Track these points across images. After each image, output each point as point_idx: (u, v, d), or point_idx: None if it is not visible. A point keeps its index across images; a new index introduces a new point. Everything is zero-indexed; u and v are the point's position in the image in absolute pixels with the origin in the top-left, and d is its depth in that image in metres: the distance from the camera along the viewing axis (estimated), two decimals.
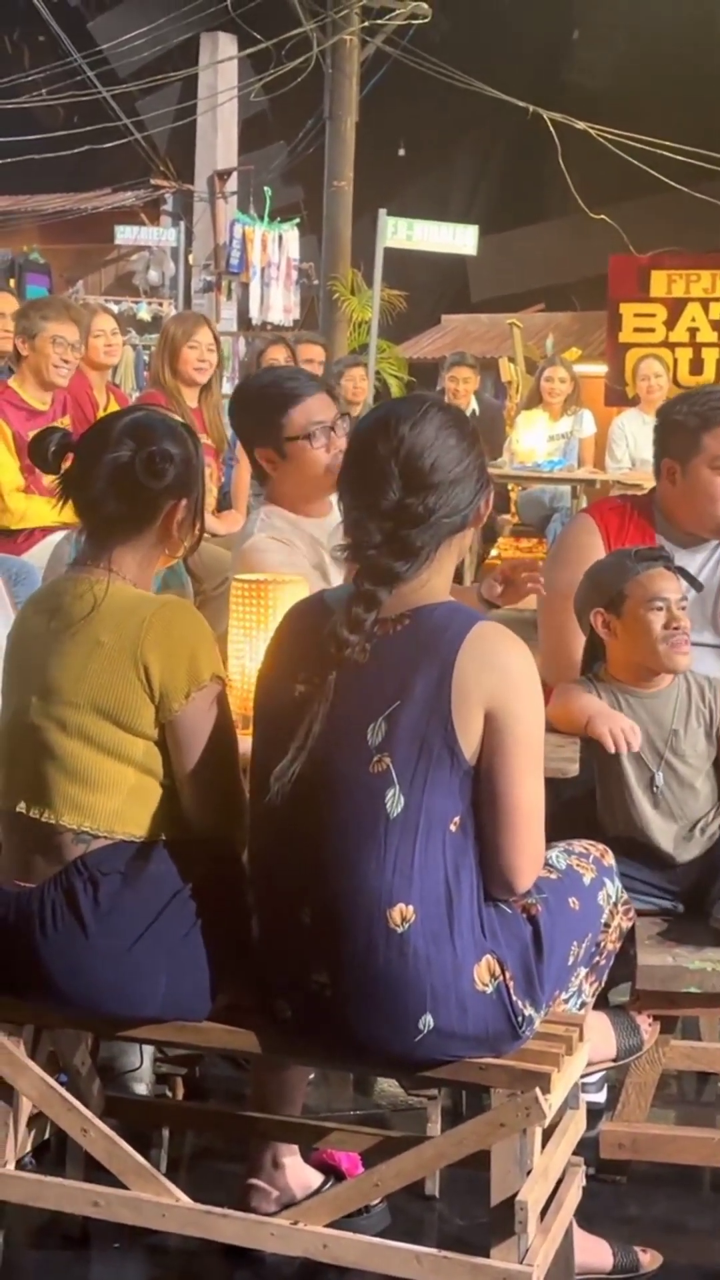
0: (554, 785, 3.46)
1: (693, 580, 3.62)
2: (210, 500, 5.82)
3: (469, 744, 2.63)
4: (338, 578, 3.93)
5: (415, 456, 2.71)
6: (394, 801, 2.61)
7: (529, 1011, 2.69)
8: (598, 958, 2.93)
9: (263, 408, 4.10)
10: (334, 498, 3.71)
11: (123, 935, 2.76)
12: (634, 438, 10.42)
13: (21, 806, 2.86)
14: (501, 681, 2.64)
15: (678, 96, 19.05)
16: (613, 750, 3.39)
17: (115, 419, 3.07)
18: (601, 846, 3.09)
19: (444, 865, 2.62)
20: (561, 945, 2.78)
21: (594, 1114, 3.28)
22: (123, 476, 2.90)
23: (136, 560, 2.95)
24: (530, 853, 2.70)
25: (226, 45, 17.78)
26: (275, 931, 2.74)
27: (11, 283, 15.71)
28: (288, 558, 3.98)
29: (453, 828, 2.63)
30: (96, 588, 2.86)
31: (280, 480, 4.11)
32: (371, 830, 2.61)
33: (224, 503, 7.76)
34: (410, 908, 2.60)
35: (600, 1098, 3.28)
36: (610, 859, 3.06)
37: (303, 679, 2.71)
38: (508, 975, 2.66)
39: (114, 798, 2.81)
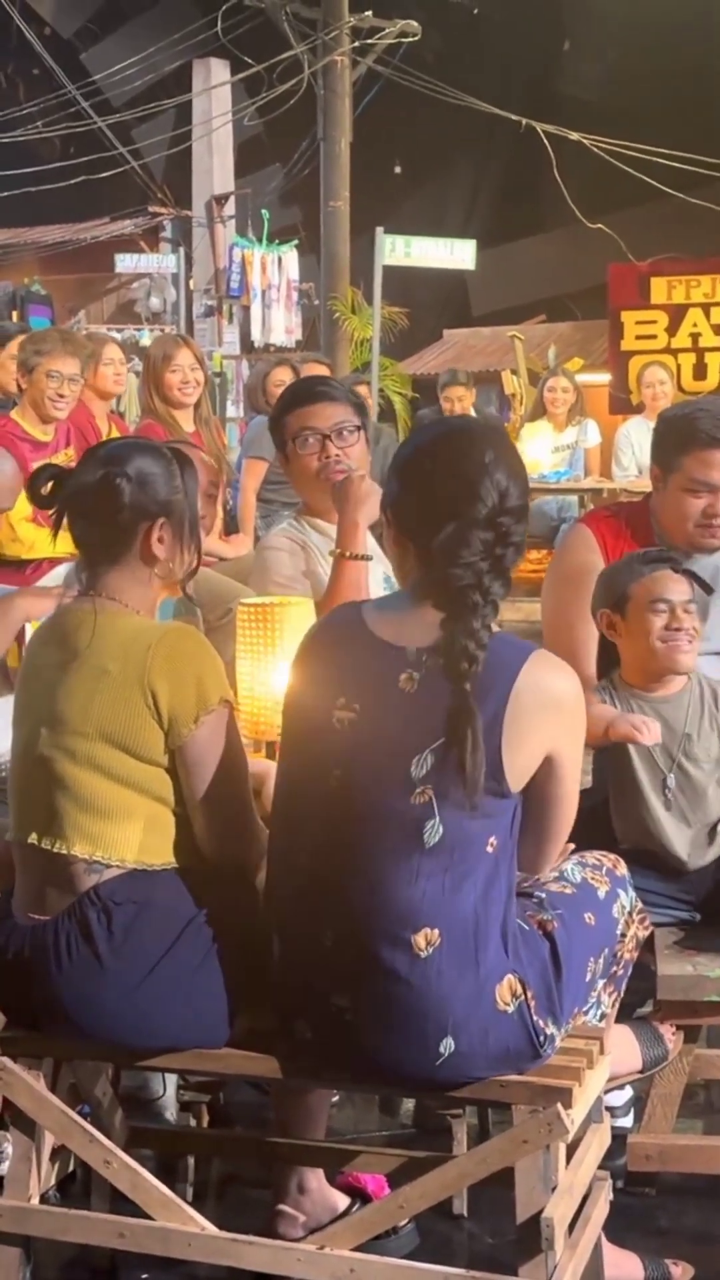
0: None
1: (702, 583, 3.61)
2: (214, 523, 5.83)
3: (517, 779, 2.62)
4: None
5: (509, 479, 2.68)
6: (432, 831, 2.58)
7: (550, 1030, 2.67)
8: (615, 968, 2.92)
9: (275, 411, 4.24)
10: None
11: (138, 965, 2.75)
12: (640, 445, 10.41)
13: (33, 838, 2.85)
14: (557, 721, 2.65)
15: (670, 103, 19.07)
16: (646, 742, 3.39)
17: (96, 448, 3.09)
18: (614, 857, 3.07)
19: (476, 888, 2.60)
20: (579, 961, 2.77)
21: (623, 1139, 3.26)
22: (88, 501, 2.92)
23: (131, 586, 2.94)
24: (555, 856, 2.83)
25: (219, 71, 17.86)
26: (296, 953, 2.72)
27: (14, 315, 15.77)
28: (287, 557, 4.09)
29: (489, 849, 2.61)
30: (87, 619, 2.87)
31: (292, 482, 4.21)
32: (406, 858, 2.59)
33: (231, 526, 7.77)
34: (436, 931, 2.58)
35: (628, 1122, 3.26)
36: (623, 869, 3.04)
37: (343, 705, 2.66)
38: (529, 994, 2.64)
39: (125, 826, 2.80)
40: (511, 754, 2.59)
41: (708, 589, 3.63)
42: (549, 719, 2.63)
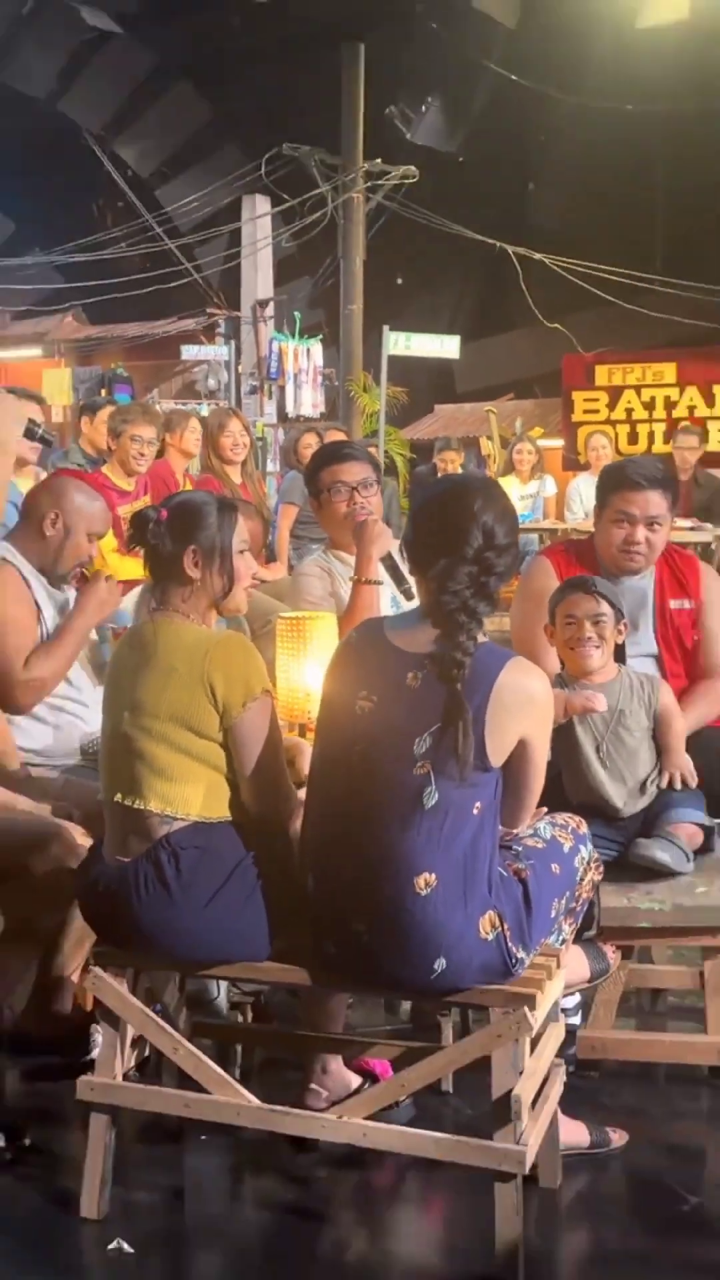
0: None
1: (611, 603, 3.58)
2: (262, 553, 5.83)
3: (498, 756, 2.62)
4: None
5: (495, 522, 2.70)
6: (429, 796, 2.58)
7: (520, 955, 2.67)
8: (574, 905, 2.91)
9: (310, 466, 4.24)
10: None
11: (199, 896, 2.75)
12: (585, 496, 10.42)
13: (119, 797, 2.85)
14: (530, 711, 2.65)
15: (611, 231, 19.05)
16: (599, 709, 3.42)
17: (164, 499, 3.10)
18: (578, 819, 3.06)
19: (465, 843, 2.60)
20: (545, 902, 2.76)
21: (573, 1033, 3.24)
22: (141, 532, 2.94)
23: (188, 601, 2.93)
24: (529, 814, 2.82)
25: (262, 204, 17.85)
26: (325, 889, 2.71)
27: (103, 391, 15.80)
28: (317, 581, 4.10)
29: (475, 811, 2.61)
30: (160, 629, 2.88)
31: (321, 522, 4.21)
32: (410, 817, 2.58)
33: (270, 556, 7.77)
34: (434, 875, 2.58)
35: (577, 1020, 3.24)
36: (585, 829, 3.03)
37: (364, 696, 2.67)
38: (505, 927, 2.64)
39: (189, 788, 2.80)
40: (492, 738, 2.59)
41: (615, 609, 3.58)
42: (523, 711, 2.64)
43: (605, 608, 3.54)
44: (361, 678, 2.70)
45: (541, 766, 2.74)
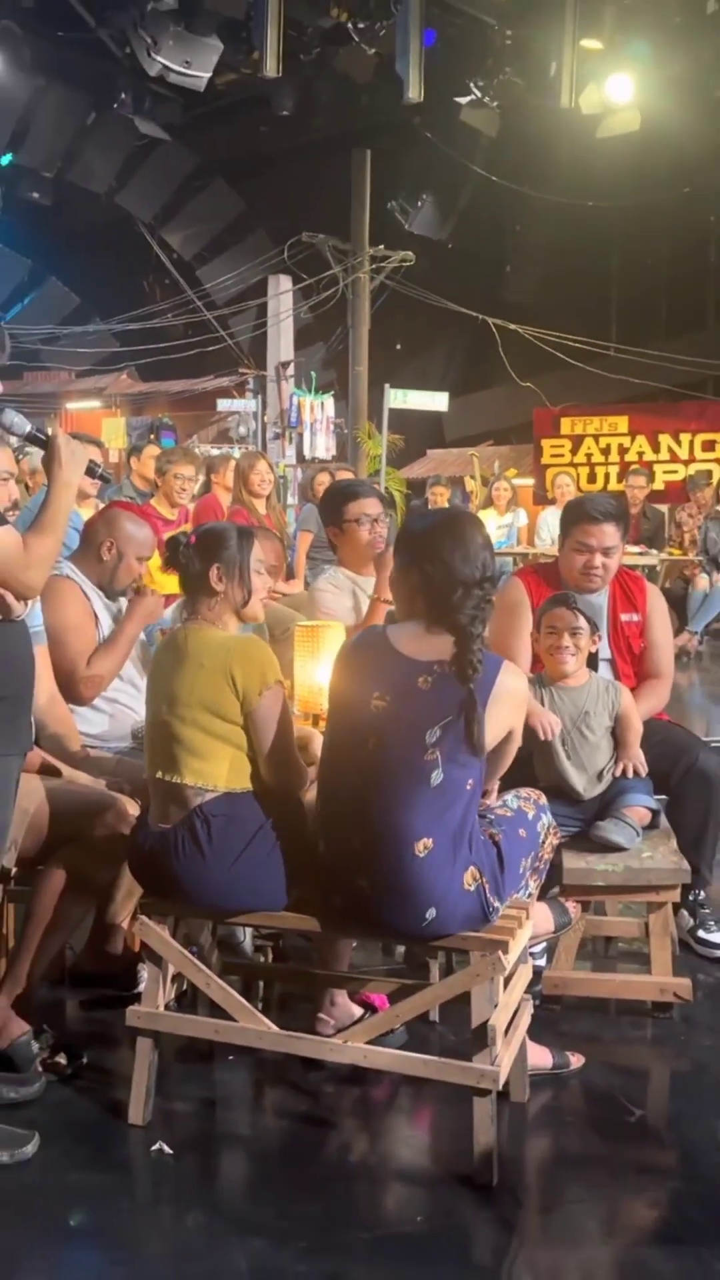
0: None
1: (588, 618, 3.58)
2: (282, 571, 5.81)
3: (490, 744, 2.64)
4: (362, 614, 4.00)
5: (491, 555, 2.75)
6: (436, 777, 2.57)
7: (496, 904, 2.67)
8: (538, 864, 2.90)
9: (335, 500, 4.18)
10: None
11: (226, 856, 2.74)
12: (552, 526, 10.42)
13: (160, 774, 2.84)
14: (516, 708, 2.70)
15: (575, 305, 19.03)
16: (542, 738, 3.43)
17: (195, 529, 3.10)
18: (539, 792, 3.05)
19: (458, 814, 2.59)
20: (515, 860, 2.75)
21: (539, 973, 3.23)
22: (174, 554, 2.96)
23: (214, 610, 2.93)
24: (498, 776, 2.84)
25: (285, 282, 17.81)
26: (334, 850, 2.70)
27: (151, 437, 15.78)
28: (334, 598, 4.10)
29: (467, 787, 2.61)
30: (192, 634, 2.89)
31: (341, 548, 4.20)
32: (417, 794, 2.57)
33: (288, 574, 7.75)
34: (431, 840, 2.57)
35: (543, 962, 3.23)
36: (544, 800, 3.02)
37: (378, 696, 2.63)
38: (484, 880, 2.63)
39: (217, 764, 2.79)
40: (489, 729, 2.61)
41: (591, 623, 3.60)
42: (512, 707, 2.66)
43: (582, 622, 3.54)
44: (374, 679, 2.66)
45: (515, 748, 2.79)
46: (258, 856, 2.75)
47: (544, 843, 2.91)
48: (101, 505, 5.07)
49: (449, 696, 2.58)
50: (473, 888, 2.61)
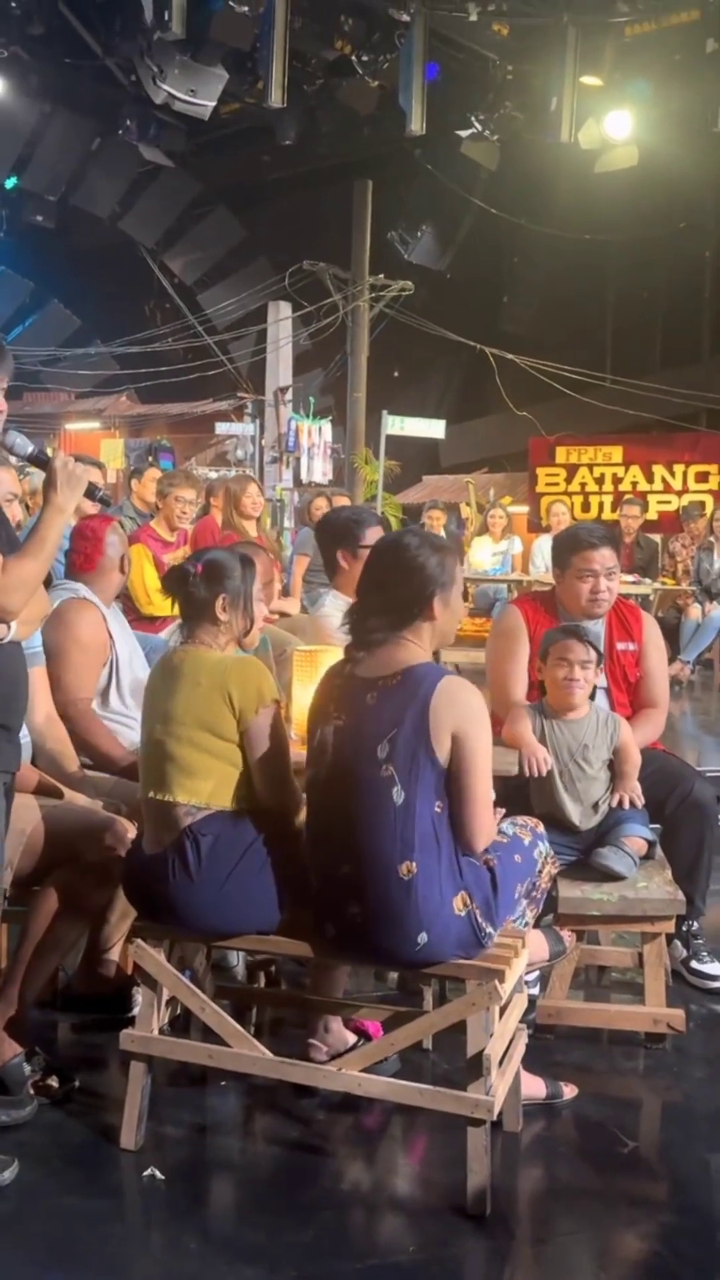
0: (504, 778, 3.44)
1: (595, 649, 3.59)
2: (273, 595, 5.82)
3: (443, 755, 2.58)
4: None
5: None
6: (398, 795, 2.56)
7: (489, 929, 2.65)
8: (535, 892, 2.89)
9: (349, 526, 4.13)
10: None
11: (217, 876, 2.72)
12: (546, 553, 10.41)
13: (151, 793, 2.83)
14: (462, 714, 2.60)
15: (569, 336, 19.16)
16: (527, 774, 3.42)
17: (197, 552, 3.10)
18: (535, 820, 3.04)
19: (431, 834, 2.58)
20: (509, 886, 2.74)
21: (533, 1001, 3.21)
22: (180, 582, 2.95)
23: (212, 636, 2.94)
24: (483, 825, 2.66)
25: (285, 309, 17.86)
26: (325, 879, 2.70)
27: (150, 459, 15.80)
28: (336, 620, 4.02)
29: (436, 809, 2.59)
30: (187, 655, 2.89)
31: (348, 572, 4.17)
32: (385, 815, 2.57)
33: (285, 591, 7.76)
34: (414, 864, 2.56)
35: (537, 991, 3.21)
36: (541, 828, 3.01)
37: (334, 715, 2.70)
38: (475, 905, 2.62)
39: (209, 782, 2.77)
40: (435, 734, 2.57)
41: (599, 653, 3.62)
42: (453, 708, 2.59)
43: (592, 654, 3.54)
44: (334, 702, 2.72)
45: (483, 774, 2.62)
46: (248, 875, 2.73)
47: (541, 871, 2.90)
48: None
49: (393, 709, 2.60)
50: (463, 912, 2.61)
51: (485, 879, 2.68)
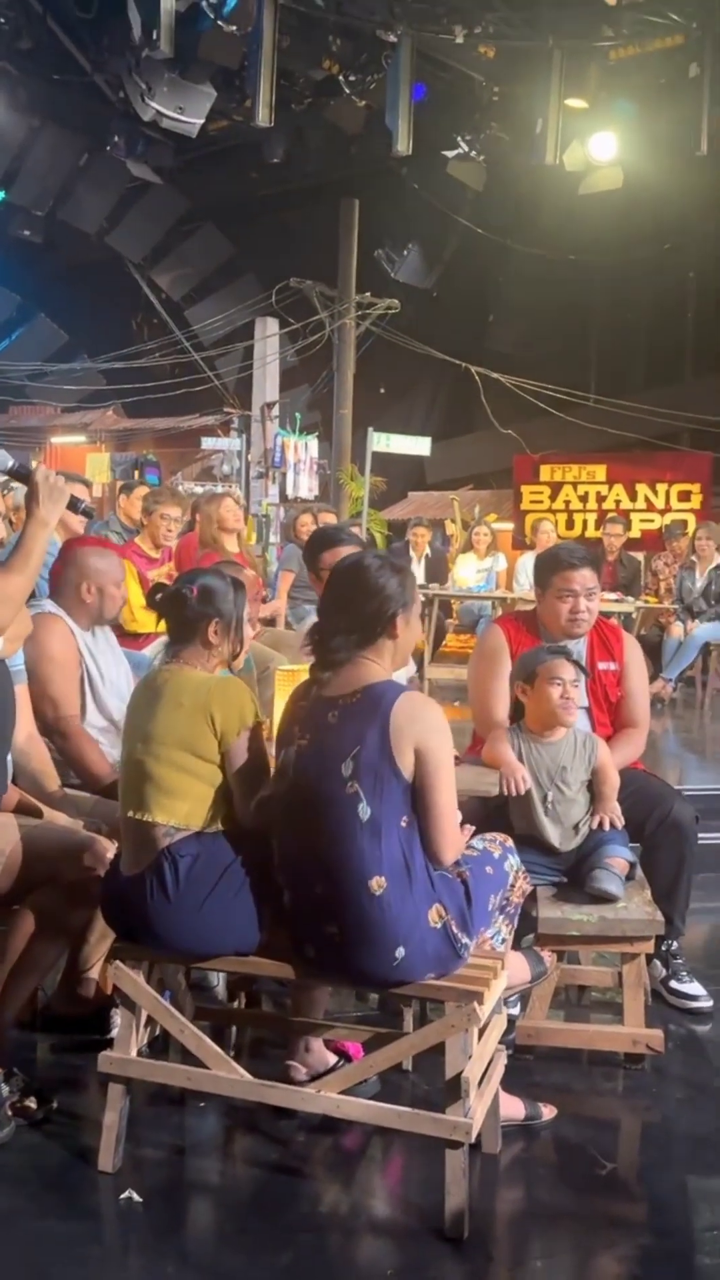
0: (484, 799, 3.45)
1: (581, 668, 3.61)
2: (255, 615, 5.82)
3: (405, 769, 2.59)
4: None
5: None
6: (364, 811, 2.57)
7: (464, 940, 2.66)
8: (509, 907, 2.89)
9: (325, 546, 4.15)
10: None
11: (195, 897, 2.72)
12: (530, 571, 10.43)
13: (131, 813, 2.82)
14: (422, 728, 2.61)
15: (554, 356, 19.21)
16: (506, 794, 3.42)
17: (188, 572, 3.09)
18: (504, 835, 3.05)
19: (400, 849, 2.58)
20: (482, 896, 2.75)
21: (513, 1021, 3.20)
22: (173, 604, 2.95)
23: (197, 656, 2.94)
24: (450, 838, 2.66)
25: (272, 326, 17.90)
26: (299, 900, 2.69)
27: (136, 473, 15.80)
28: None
29: (403, 824, 2.59)
30: (171, 675, 2.88)
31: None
32: (352, 831, 2.57)
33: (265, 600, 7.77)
34: (383, 879, 2.56)
35: (516, 1011, 3.21)
36: (511, 842, 3.02)
37: (299, 735, 2.70)
38: (450, 917, 2.63)
39: (188, 803, 2.77)
40: (396, 748, 2.57)
41: (585, 673, 3.64)
42: (414, 722, 2.60)
43: (579, 674, 3.57)
44: (299, 723, 2.73)
45: (446, 786, 2.62)
46: (226, 895, 2.73)
47: (513, 885, 2.90)
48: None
49: (355, 727, 2.60)
50: (439, 924, 2.61)
51: (459, 890, 2.68)
